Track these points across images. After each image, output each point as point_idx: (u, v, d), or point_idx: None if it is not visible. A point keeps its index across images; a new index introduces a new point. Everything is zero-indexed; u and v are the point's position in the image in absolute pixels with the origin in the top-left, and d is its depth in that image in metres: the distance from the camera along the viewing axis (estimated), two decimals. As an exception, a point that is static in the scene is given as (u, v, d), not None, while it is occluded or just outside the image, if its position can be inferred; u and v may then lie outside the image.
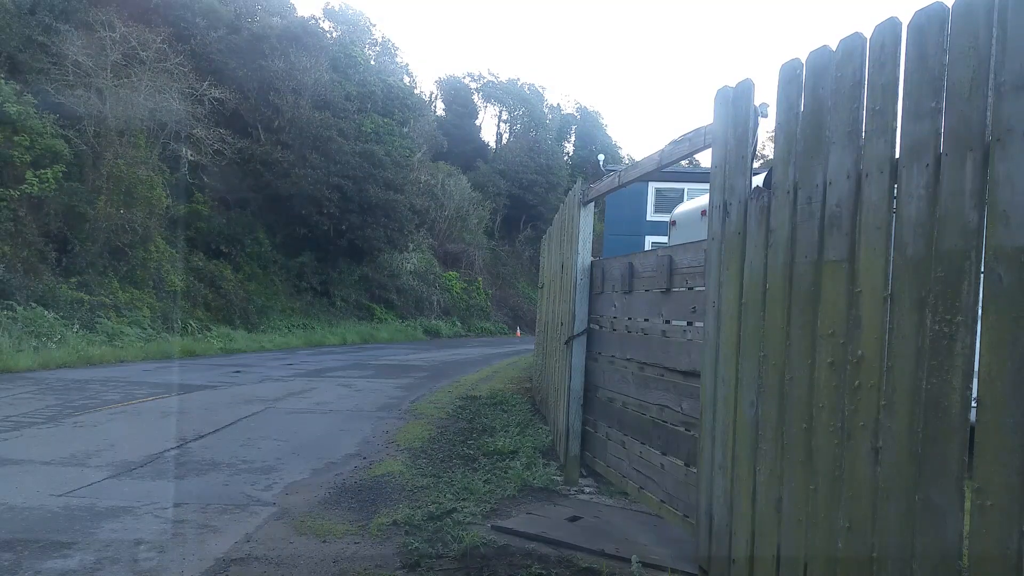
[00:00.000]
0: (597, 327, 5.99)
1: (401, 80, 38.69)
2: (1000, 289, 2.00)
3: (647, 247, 15.94)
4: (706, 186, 3.75)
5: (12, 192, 16.68)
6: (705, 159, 7.00)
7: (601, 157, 34.14)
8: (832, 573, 2.57)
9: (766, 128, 3.34)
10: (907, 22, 2.36)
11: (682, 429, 4.22)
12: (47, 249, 17.57)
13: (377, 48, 42.45)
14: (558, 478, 5.94)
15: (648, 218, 20.26)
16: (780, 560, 2.86)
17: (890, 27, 2.44)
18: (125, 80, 20.12)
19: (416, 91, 42.45)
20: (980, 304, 2.06)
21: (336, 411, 9.70)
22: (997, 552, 1.95)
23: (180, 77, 21.64)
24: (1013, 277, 1.97)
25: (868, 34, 2.54)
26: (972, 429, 2.09)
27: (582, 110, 60.59)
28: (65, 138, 18.13)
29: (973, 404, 2.08)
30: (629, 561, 3.91)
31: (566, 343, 6.36)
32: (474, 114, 52.75)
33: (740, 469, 3.18)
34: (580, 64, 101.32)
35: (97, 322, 17.12)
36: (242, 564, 4.01)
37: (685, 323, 4.31)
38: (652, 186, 20.03)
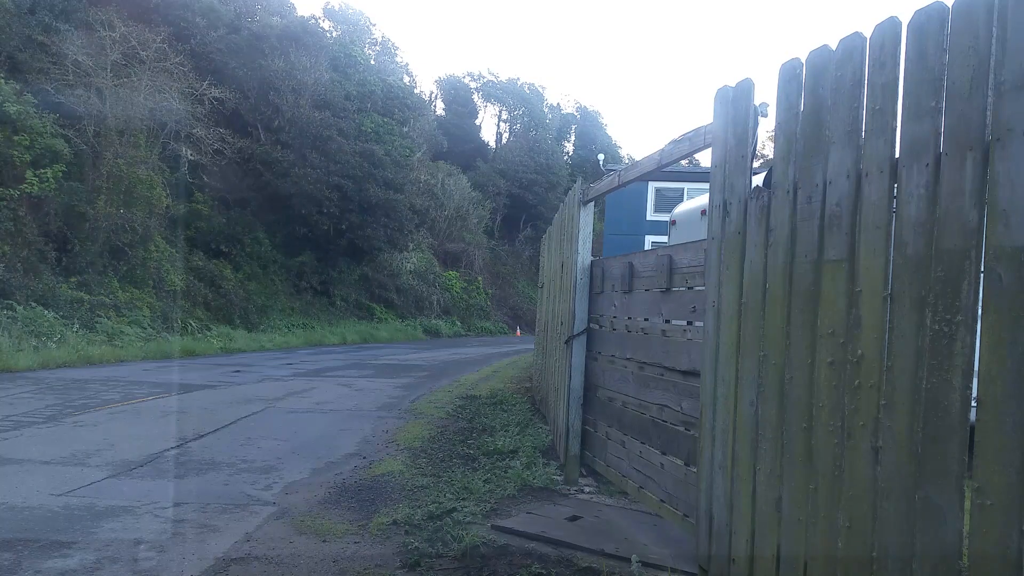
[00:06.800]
0: (597, 326, 5.99)
1: (401, 80, 38.68)
2: (1000, 289, 2.00)
3: (647, 247, 15.93)
4: (706, 186, 3.75)
5: (12, 192, 16.67)
6: (705, 159, 7.00)
7: (601, 157, 34.14)
8: (832, 572, 2.57)
9: (766, 128, 3.35)
10: (907, 22, 2.36)
11: (682, 428, 4.22)
12: (47, 249, 17.56)
13: (377, 48, 42.43)
14: (558, 477, 5.94)
15: (648, 218, 20.25)
16: (780, 559, 2.86)
17: (890, 27, 2.44)
18: (125, 80, 20.11)
19: (416, 91, 42.45)
20: (980, 304, 2.06)
21: (336, 411, 9.70)
22: (997, 552, 1.95)
23: (180, 77, 21.63)
24: (1013, 277, 1.97)
25: (868, 34, 2.54)
26: (972, 429, 2.09)
27: (582, 110, 60.58)
28: (65, 138, 18.12)
29: (973, 404, 2.08)
30: (629, 561, 3.91)
31: (566, 342, 6.36)
32: (474, 114, 52.71)
33: (740, 468, 3.18)
34: (580, 64, 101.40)
35: (97, 322, 17.13)
36: (242, 563, 4.01)
37: (685, 323, 4.31)
38: (652, 186, 20.03)
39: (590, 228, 6.11)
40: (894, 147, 2.41)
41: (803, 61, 2.87)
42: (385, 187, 28.72)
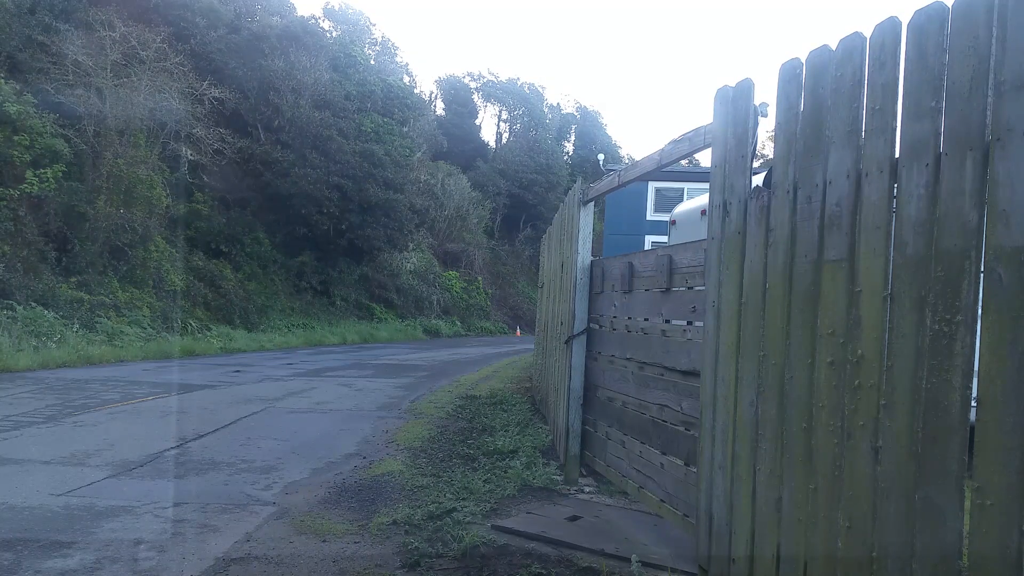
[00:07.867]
0: (597, 326, 5.99)
1: (401, 80, 38.63)
2: (1000, 289, 2.00)
3: (647, 246, 15.92)
4: (706, 186, 3.75)
5: (12, 192, 16.67)
6: (705, 159, 7.00)
7: (601, 157, 34.12)
8: (832, 572, 2.57)
9: (766, 128, 3.35)
10: (907, 22, 2.36)
11: (682, 428, 4.22)
12: (47, 249, 17.56)
13: (377, 48, 42.42)
14: (558, 477, 5.94)
15: (648, 217, 20.24)
16: (780, 559, 2.86)
17: (890, 26, 2.44)
18: (125, 80, 20.11)
19: (416, 91, 42.42)
20: (980, 304, 2.06)
21: (336, 411, 9.70)
22: (997, 552, 1.95)
23: (180, 77, 21.63)
24: (1013, 277, 1.97)
25: (868, 34, 2.54)
26: (972, 429, 2.09)
27: (582, 110, 60.56)
28: (65, 138, 18.11)
29: (973, 404, 2.08)
30: (629, 560, 3.91)
31: (566, 342, 6.36)
32: (474, 114, 52.70)
33: (740, 468, 3.18)
34: (580, 64, 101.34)
35: (97, 322, 17.12)
36: (242, 563, 4.01)
37: (685, 323, 4.30)
38: (652, 185, 20.02)
39: (590, 228, 6.11)
40: (894, 147, 2.41)
41: (803, 61, 2.87)
42: (385, 187, 28.73)
